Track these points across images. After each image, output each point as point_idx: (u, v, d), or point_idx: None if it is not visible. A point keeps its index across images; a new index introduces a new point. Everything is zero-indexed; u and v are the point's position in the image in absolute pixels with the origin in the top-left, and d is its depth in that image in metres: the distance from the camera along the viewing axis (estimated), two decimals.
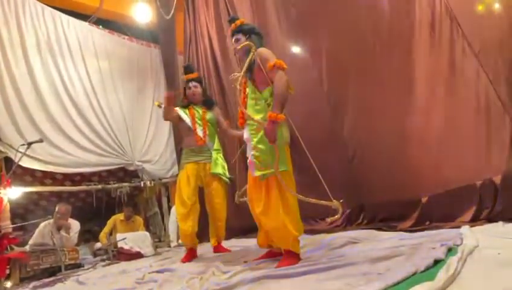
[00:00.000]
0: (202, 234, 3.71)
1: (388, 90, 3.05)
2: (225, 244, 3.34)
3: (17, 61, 4.42)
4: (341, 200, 2.02)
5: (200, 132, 3.10)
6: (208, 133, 3.14)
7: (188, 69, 3.27)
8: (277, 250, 2.32)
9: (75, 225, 4.24)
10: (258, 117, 2.17)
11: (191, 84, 3.17)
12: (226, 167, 3.22)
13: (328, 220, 2.00)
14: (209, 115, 3.19)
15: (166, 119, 3.17)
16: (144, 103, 5.66)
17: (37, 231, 3.94)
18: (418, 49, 2.86)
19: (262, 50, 2.24)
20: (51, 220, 4.05)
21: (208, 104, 3.25)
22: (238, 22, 2.46)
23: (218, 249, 3.20)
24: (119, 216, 4.97)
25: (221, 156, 3.24)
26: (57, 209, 4.08)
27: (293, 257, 2.09)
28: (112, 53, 5.45)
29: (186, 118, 3.14)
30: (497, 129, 2.44)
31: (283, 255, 2.15)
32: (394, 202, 2.99)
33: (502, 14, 2.45)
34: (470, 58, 2.56)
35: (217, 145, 3.23)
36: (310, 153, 3.75)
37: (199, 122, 3.14)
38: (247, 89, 2.31)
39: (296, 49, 3.92)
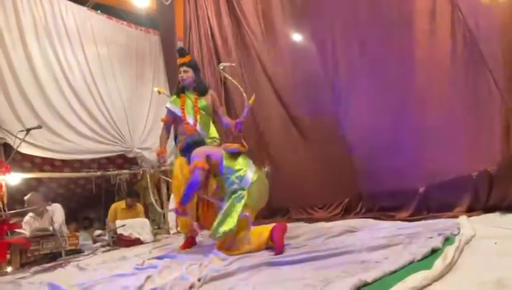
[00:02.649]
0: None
1: (388, 80, 3.04)
2: None
3: (15, 47, 4.37)
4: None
5: (190, 120, 3.04)
6: (201, 121, 3.05)
7: (179, 53, 3.17)
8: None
9: (57, 210, 4.23)
10: None
11: (182, 68, 3.09)
12: None
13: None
14: (202, 102, 3.10)
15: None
16: (143, 90, 5.62)
17: (23, 224, 3.93)
18: (418, 38, 2.83)
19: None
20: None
21: (199, 90, 3.14)
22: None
23: None
24: (120, 204, 4.95)
25: (218, 143, 3.20)
26: (26, 202, 4.02)
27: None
28: (111, 39, 5.39)
29: (176, 109, 3.09)
30: (493, 120, 2.44)
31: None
32: (392, 191, 3.01)
33: (504, 1, 2.42)
34: (469, 46, 2.53)
35: (212, 132, 3.18)
36: (310, 141, 3.76)
37: (190, 110, 3.06)
38: None
39: (299, 37, 3.88)
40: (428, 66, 2.79)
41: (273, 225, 2.27)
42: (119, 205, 4.95)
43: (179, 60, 3.12)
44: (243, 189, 2.36)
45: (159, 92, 3.51)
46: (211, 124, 3.20)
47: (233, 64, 3.85)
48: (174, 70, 5.39)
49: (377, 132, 3.09)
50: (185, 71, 3.09)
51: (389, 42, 3.02)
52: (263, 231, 2.27)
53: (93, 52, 5.12)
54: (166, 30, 5.71)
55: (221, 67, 3.36)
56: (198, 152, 2.53)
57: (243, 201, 2.32)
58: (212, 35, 4.80)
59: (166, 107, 3.17)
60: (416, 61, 2.85)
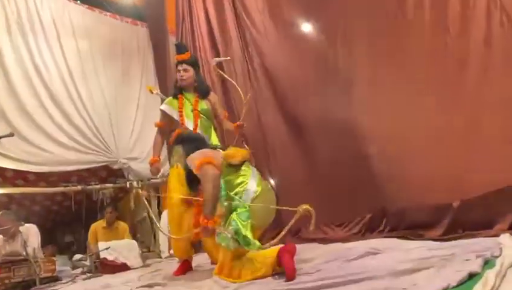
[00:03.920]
0: (198, 243, 3.72)
1: (415, 75, 3.03)
2: None
3: None
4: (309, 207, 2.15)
5: (189, 124, 3.07)
6: (201, 126, 3.08)
7: (178, 49, 3.21)
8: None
9: (31, 231, 4.23)
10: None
11: (181, 66, 3.12)
12: None
13: (311, 227, 2.12)
14: (202, 105, 3.14)
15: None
16: (130, 90, 5.67)
17: None
18: (449, 25, 2.83)
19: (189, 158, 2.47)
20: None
21: (201, 91, 3.18)
22: None
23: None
24: (101, 223, 4.99)
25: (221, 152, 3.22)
26: None
27: None
28: (92, 32, 5.45)
29: (173, 111, 3.12)
30: None
31: None
32: (421, 206, 2.98)
33: None
34: (508, 32, 2.53)
35: (214, 139, 3.20)
36: (323, 146, 3.76)
37: (189, 113, 3.10)
38: None
39: (308, 27, 3.90)
40: (462, 57, 2.78)
41: (279, 246, 2.26)
42: (99, 225, 4.96)
43: (178, 57, 3.15)
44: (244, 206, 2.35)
45: (152, 92, 3.52)
46: (212, 130, 3.22)
47: (228, 58, 3.88)
48: (165, 68, 5.45)
49: (403, 136, 3.08)
50: (185, 70, 3.11)
51: (416, 31, 3.01)
52: (268, 254, 2.26)
53: (72, 47, 5.19)
54: (155, 22, 5.77)
55: (215, 63, 3.39)
56: (203, 152, 2.49)
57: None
58: (210, 26, 4.84)
59: (161, 110, 3.19)
60: (447, 51, 2.84)
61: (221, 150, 3.24)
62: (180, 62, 3.13)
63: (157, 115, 3.30)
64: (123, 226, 5.14)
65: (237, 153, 2.54)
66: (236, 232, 2.22)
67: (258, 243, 2.25)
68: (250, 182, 2.41)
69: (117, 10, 5.85)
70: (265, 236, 2.90)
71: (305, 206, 2.14)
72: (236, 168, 2.49)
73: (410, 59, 3.04)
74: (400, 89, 3.14)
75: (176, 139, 3.05)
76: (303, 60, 3.91)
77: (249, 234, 2.23)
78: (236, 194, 2.39)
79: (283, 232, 2.20)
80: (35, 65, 4.78)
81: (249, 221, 2.30)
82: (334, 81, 3.60)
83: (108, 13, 5.77)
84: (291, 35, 4.07)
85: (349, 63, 3.52)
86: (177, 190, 2.97)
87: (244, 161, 2.54)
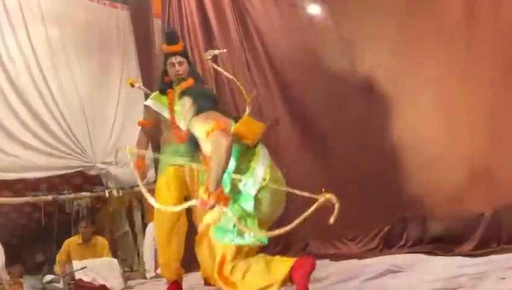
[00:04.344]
0: (189, 261, 3.72)
1: (444, 66, 3.04)
2: None
3: None
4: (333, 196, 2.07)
5: (181, 124, 3.07)
6: None
7: (170, 39, 3.19)
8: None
9: None
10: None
11: (175, 59, 3.10)
12: None
13: (331, 220, 2.02)
14: None
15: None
16: (108, 84, 5.64)
17: None
18: (477, 14, 2.84)
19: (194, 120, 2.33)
20: None
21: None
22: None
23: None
24: (75, 239, 4.96)
25: None
26: None
27: None
28: (64, 17, 5.43)
29: (161, 108, 3.12)
30: None
31: None
32: (449, 216, 2.99)
33: None
34: None
35: None
36: (334, 149, 3.78)
37: (179, 111, 3.10)
38: None
39: (316, 8, 3.91)
40: (495, 50, 2.79)
41: (294, 259, 2.22)
42: (73, 241, 4.94)
43: (170, 48, 3.13)
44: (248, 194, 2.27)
45: (133, 85, 3.50)
46: None
47: (223, 51, 3.88)
48: (150, 56, 5.44)
49: (428, 137, 3.10)
50: (180, 63, 3.09)
51: (443, 11, 3.02)
52: (281, 265, 2.21)
53: (41, 34, 5.16)
54: (138, 4, 5.76)
55: (209, 57, 3.38)
56: (214, 116, 2.35)
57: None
58: (202, 7, 4.82)
59: (146, 106, 3.17)
60: (482, 43, 2.85)
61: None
62: (172, 54, 3.11)
63: (139, 112, 3.28)
64: (102, 242, 5.13)
65: (251, 129, 2.38)
66: (240, 220, 2.17)
67: (264, 237, 2.20)
68: (258, 168, 2.31)
69: None
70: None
71: (328, 195, 2.09)
72: (247, 149, 2.38)
73: (439, 50, 3.05)
74: (423, 90, 3.15)
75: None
76: (312, 47, 3.92)
77: (255, 228, 2.19)
78: (240, 180, 2.29)
79: (297, 221, 2.13)
80: None
81: (255, 212, 2.23)
82: (352, 75, 3.61)
83: None
84: (297, 17, 4.06)
85: (368, 52, 3.53)
86: (167, 200, 2.97)
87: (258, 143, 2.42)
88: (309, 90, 3.94)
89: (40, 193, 5.05)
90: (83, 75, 5.44)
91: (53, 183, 5.35)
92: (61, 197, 5.10)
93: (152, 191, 5.48)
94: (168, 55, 3.15)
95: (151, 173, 5.54)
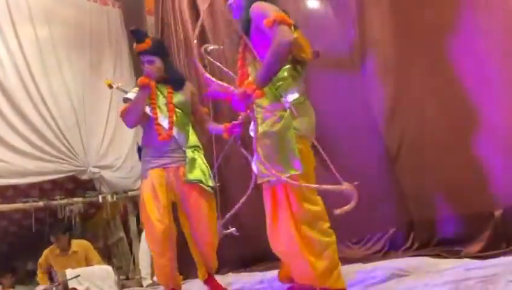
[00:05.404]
0: (187, 268, 3.72)
1: (452, 63, 3.03)
2: (221, 281, 3.34)
3: None
4: (355, 182, 1.97)
5: (163, 121, 3.00)
6: (177, 123, 3.03)
7: (135, 37, 3.07)
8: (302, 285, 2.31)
9: None
10: (265, 104, 2.17)
11: (143, 58, 3.01)
12: (208, 171, 3.11)
13: (338, 211, 1.94)
14: (177, 97, 3.07)
15: (132, 123, 3.07)
16: (100, 85, 5.62)
17: None
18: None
19: (258, 4, 2.22)
20: None
21: (173, 82, 3.11)
22: None
23: (211, 283, 3.18)
24: (53, 249, 4.80)
25: (201, 155, 3.15)
26: None
27: None
28: (54, 16, 5.44)
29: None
30: None
31: None
32: (457, 217, 2.99)
33: None
34: None
35: (193, 140, 3.16)
36: (334, 148, 3.77)
37: (162, 107, 3.03)
38: (249, 67, 2.31)
39: (315, 4, 3.90)
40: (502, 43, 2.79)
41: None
42: (52, 251, 4.81)
43: (137, 47, 3.03)
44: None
45: (111, 86, 3.43)
46: (190, 127, 3.19)
47: (220, 47, 3.86)
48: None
49: (435, 135, 3.09)
50: (148, 62, 2.99)
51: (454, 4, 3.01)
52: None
53: (30, 34, 5.18)
54: (130, 1, 5.76)
55: (209, 50, 3.36)
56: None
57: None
58: (194, 3, 4.83)
59: (127, 99, 3.07)
60: (491, 41, 2.85)
61: (201, 151, 3.21)
62: (141, 53, 3.04)
63: None
64: (82, 245, 4.96)
65: (307, 46, 2.25)
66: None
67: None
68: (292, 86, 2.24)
69: None
70: None
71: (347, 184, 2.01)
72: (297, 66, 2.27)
73: (448, 45, 3.05)
74: (428, 89, 3.15)
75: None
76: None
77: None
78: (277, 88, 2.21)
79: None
80: None
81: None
82: (353, 70, 3.60)
83: None
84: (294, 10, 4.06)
85: (369, 47, 3.52)
86: (155, 211, 2.91)
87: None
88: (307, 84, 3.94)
89: (31, 199, 5.06)
90: (74, 76, 5.46)
91: (44, 189, 5.37)
92: (53, 202, 5.11)
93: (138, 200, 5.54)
94: (137, 53, 3.10)
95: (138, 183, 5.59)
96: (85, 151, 5.28)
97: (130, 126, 3.20)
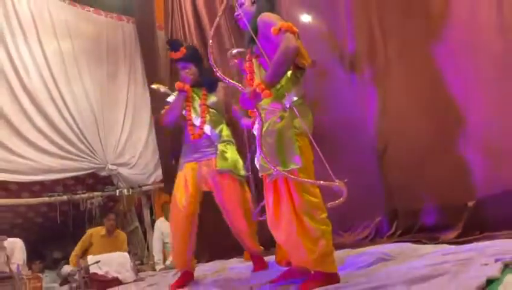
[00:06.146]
0: (199, 252, 3.71)
1: (431, 67, 3.02)
2: (230, 264, 3.28)
3: None
4: (345, 180, 1.98)
5: (196, 120, 3.03)
6: (209, 121, 3.05)
7: (171, 46, 3.14)
8: (299, 268, 2.31)
9: (17, 246, 4.19)
10: (267, 105, 2.19)
11: (179, 65, 3.07)
12: (239, 161, 3.09)
13: (329, 205, 1.94)
14: (211, 98, 3.11)
15: (169, 123, 3.09)
16: (117, 91, 5.67)
17: None
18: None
19: (265, 14, 2.24)
20: None
21: (208, 84, 3.12)
22: None
23: (253, 259, 3.15)
24: (99, 230, 4.94)
25: (233, 147, 3.13)
26: None
27: (319, 278, 2.09)
28: (75, 30, 5.45)
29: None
30: None
31: (308, 276, 2.15)
32: (435, 207, 2.99)
33: None
34: None
35: (226, 135, 3.14)
36: (327, 144, 3.75)
37: (196, 108, 3.06)
38: (255, 70, 2.32)
39: (307, 15, 3.89)
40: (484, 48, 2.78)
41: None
42: (97, 231, 4.92)
43: (173, 56, 3.08)
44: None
45: (159, 89, 3.46)
46: (224, 125, 3.18)
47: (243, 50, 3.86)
48: (155, 66, 5.45)
49: (418, 134, 3.08)
50: (183, 68, 3.04)
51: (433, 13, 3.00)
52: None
53: (54, 47, 5.18)
54: (143, 16, 5.77)
55: (233, 53, 3.32)
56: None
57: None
58: (198, 19, 4.82)
59: (167, 102, 3.13)
60: (469, 43, 2.83)
61: (233, 145, 3.20)
62: (176, 60, 3.08)
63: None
64: (122, 236, 5.14)
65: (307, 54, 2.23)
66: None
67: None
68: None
69: (101, 5, 5.83)
70: None
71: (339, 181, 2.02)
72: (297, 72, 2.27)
73: (428, 50, 3.04)
74: (410, 87, 3.14)
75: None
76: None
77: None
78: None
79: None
80: (13, 66, 4.76)
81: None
82: (342, 70, 3.60)
83: (91, 8, 5.75)
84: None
85: (355, 53, 3.52)
86: (180, 196, 2.94)
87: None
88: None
89: (56, 193, 5.08)
90: (93, 83, 5.48)
91: (67, 185, 5.39)
92: (75, 196, 5.14)
93: (161, 190, 5.58)
94: (171, 61, 3.16)
95: (158, 172, 5.61)
96: (103, 150, 5.30)
97: (168, 126, 3.26)
